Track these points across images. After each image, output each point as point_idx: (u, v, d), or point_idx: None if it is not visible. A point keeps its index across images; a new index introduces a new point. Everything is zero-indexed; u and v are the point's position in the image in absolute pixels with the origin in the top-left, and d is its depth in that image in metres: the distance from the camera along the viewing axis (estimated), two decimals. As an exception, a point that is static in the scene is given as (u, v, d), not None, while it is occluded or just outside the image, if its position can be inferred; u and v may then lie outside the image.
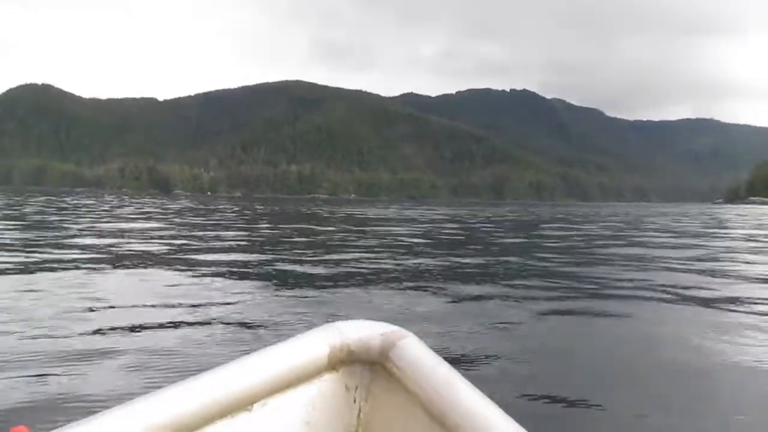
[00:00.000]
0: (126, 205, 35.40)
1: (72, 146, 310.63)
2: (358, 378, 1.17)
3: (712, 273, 8.06)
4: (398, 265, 8.17)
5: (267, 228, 17.54)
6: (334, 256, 9.00)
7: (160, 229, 14.97)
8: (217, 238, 12.43)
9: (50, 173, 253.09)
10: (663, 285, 6.57)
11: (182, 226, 16.54)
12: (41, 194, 68.05)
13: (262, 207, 41.93)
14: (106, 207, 31.05)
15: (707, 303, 5.50)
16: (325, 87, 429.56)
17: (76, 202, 39.48)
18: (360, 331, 1.16)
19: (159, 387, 0.95)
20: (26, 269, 6.54)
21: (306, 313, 4.50)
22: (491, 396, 1.01)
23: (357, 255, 9.23)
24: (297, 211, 33.94)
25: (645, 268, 8.50)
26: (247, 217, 24.16)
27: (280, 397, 1.07)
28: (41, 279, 5.81)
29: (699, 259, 9.95)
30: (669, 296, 5.90)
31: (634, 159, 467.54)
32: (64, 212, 22.37)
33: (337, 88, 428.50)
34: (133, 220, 19.25)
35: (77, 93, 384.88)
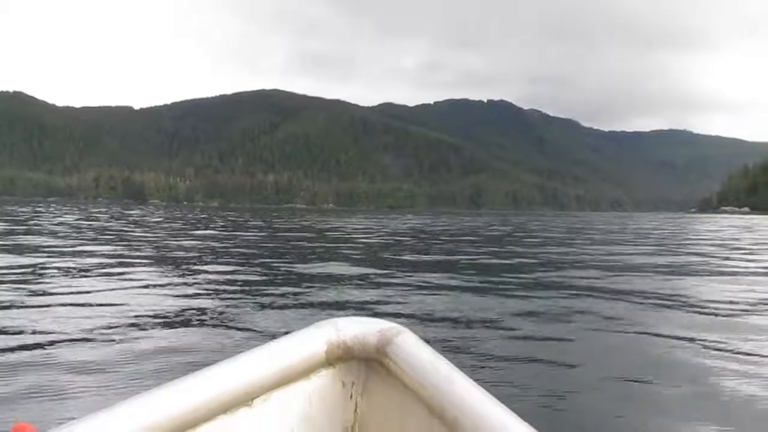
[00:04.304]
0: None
1: (45, 155, 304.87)
2: (354, 374, 1.18)
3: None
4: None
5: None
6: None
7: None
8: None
9: (21, 183, 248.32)
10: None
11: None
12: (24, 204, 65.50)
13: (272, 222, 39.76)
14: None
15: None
16: (304, 96, 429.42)
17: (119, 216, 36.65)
18: (356, 328, 1.17)
19: (159, 384, 0.96)
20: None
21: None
22: (488, 389, 1.02)
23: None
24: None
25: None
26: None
27: (279, 393, 1.09)
28: None
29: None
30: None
31: (609, 169, 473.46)
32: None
33: (316, 98, 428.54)
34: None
35: (50, 101, 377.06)
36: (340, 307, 5.49)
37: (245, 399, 1.03)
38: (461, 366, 1.04)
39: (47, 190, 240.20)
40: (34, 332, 4.04)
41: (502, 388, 2.93)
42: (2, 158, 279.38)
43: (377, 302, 5.80)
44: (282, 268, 8.68)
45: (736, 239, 20.72)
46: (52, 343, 3.69)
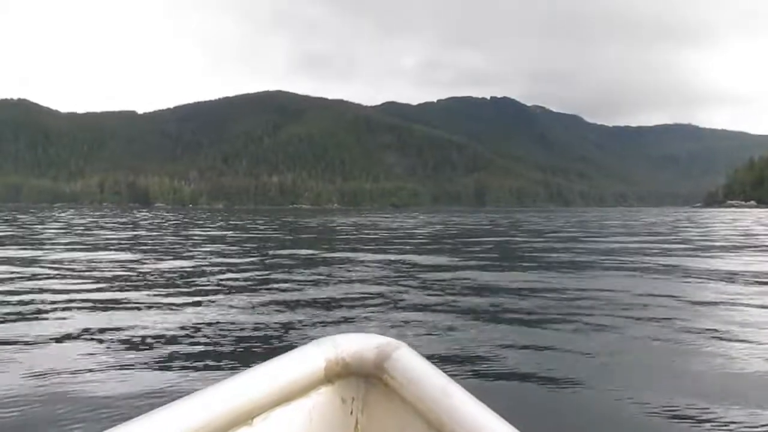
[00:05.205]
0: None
1: (49, 161, 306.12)
2: (354, 390, 1.19)
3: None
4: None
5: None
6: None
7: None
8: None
9: (27, 190, 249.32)
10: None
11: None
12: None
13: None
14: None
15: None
16: (306, 97, 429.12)
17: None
18: (355, 344, 1.18)
19: (162, 403, 0.95)
20: None
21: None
22: (488, 403, 1.02)
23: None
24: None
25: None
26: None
27: (279, 411, 1.09)
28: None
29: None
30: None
31: (613, 164, 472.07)
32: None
33: (318, 98, 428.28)
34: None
35: (54, 107, 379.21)
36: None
37: (245, 418, 1.04)
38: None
39: (52, 196, 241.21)
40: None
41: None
42: (7, 165, 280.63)
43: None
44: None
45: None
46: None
